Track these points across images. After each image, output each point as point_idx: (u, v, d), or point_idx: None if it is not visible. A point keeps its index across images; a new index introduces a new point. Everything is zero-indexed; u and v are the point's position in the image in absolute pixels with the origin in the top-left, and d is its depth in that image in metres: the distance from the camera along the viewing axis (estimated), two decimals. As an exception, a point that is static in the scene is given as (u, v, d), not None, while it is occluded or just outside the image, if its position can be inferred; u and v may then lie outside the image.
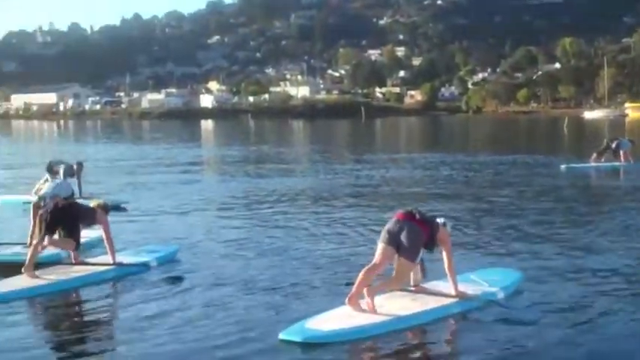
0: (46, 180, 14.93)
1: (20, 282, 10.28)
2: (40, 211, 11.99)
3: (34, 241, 11.03)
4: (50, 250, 11.42)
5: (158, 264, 11.40)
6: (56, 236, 11.07)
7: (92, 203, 11.73)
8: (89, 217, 11.35)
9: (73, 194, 13.73)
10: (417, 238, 8.74)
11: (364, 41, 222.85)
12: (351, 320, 8.23)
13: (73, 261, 11.31)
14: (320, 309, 8.67)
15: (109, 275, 10.89)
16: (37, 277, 10.49)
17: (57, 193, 12.92)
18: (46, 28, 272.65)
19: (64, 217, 11.06)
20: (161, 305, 9.38)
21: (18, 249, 12.29)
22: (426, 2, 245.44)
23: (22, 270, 10.50)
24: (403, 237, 8.68)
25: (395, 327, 8.28)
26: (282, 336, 7.92)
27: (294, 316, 8.56)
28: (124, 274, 10.95)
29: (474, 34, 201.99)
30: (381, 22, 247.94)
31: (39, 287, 10.18)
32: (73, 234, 11.11)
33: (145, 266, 11.28)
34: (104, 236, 11.31)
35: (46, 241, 10.96)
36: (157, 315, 8.96)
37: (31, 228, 12.34)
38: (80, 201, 13.15)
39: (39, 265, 10.87)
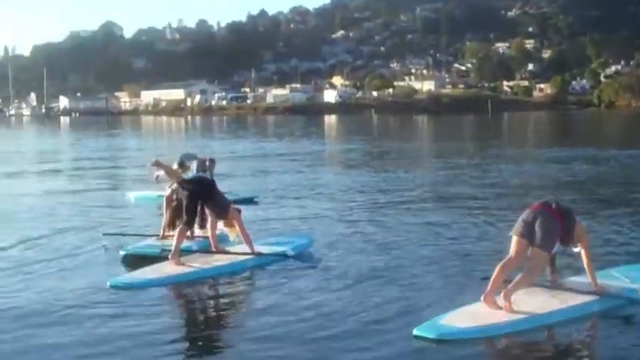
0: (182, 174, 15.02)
1: (166, 269, 10.77)
2: (173, 204, 12.56)
3: (179, 228, 11.42)
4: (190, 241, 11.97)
5: (295, 254, 11.55)
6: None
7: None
8: (224, 207, 11.61)
9: None
10: (551, 229, 8.40)
11: (492, 34, 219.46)
12: (486, 317, 8.07)
13: (214, 249, 11.66)
14: (454, 305, 8.54)
15: (248, 264, 11.23)
16: (181, 264, 10.94)
17: None
18: (174, 25, 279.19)
19: (203, 189, 11.53)
20: (295, 296, 9.51)
21: (150, 241, 12.67)
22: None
23: (169, 257, 10.99)
24: (537, 227, 8.37)
25: (531, 324, 8.07)
26: (416, 332, 7.82)
27: (428, 312, 8.46)
28: (262, 264, 11.26)
29: (606, 26, 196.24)
30: (510, 13, 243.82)
31: (183, 275, 10.61)
32: (218, 206, 11.58)
33: (282, 256, 11.49)
34: (239, 230, 11.59)
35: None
36: (291, 306, 9.09)
37: (163, 221, 12.88)
38: None
39: (182, 252, 11.31)
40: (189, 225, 11.50)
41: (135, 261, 11.45)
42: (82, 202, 19.25)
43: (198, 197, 11.46)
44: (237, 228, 11.58)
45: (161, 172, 13.51)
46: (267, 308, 9.04)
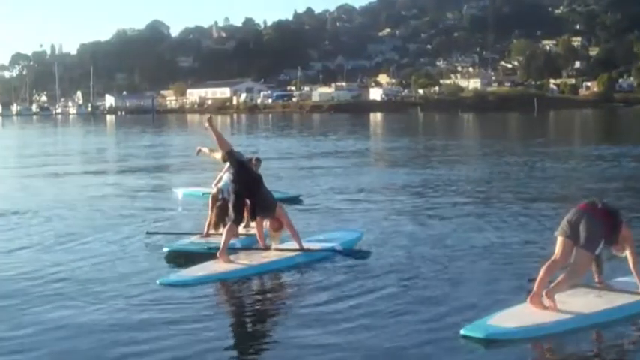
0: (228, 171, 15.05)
1: (215, 266, 10.81)
2: (218, 203, 12.63)
3: (228, 225, 11.48)
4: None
5: (343, 249, 11.61)
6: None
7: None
8: (271, 206, 11.60)
9: None
10: (596, 229, 8.34)
11: (539, 31, 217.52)
12: (533, 317, 8.05)
13: (262, 246, 11.77)
14: (501, 306, 8.53)
15: (296, 260, 11.25)
16: (230, 261, 10.99)
17: None
18: (221, 23, 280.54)
19: (248, 183, 11.50)
20: (344, 293, 9.56)
21: (194, 239, 12.73)
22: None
23: (217, 255, 11.01)
24: (582, 227, 8.33)
25: (579, 324, 8.05)
26: (463, 332, 7.83)
27: (474, 312, 8.48)
28: (311, 260, 11.29)
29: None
30: (557, 11, 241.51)
31: (232, 272, 10.67)
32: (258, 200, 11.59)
33: (331, 251, 11.55)
34: (287, 228, 11.62)
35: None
36: (339, 302, 9.14)
37: (208, 219, 12.90)
38: None
39: (231, 250, 11.39)
40: (237, 223, 11.54)
41: (179, 258, 11.54)
42: (129, 199, 19.47)
43: (244, 192, 11.46)
44: (285, 226, 11.59)
45: (205, 150, 13.80)
46: (316, 305, 9.09)
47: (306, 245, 11.57)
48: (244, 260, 11.17)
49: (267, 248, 11.67)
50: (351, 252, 11.59)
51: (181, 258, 11.53)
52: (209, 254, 11.33)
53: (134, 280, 10.37)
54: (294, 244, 11.58)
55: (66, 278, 10.57)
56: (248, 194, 11.53)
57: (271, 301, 9.63)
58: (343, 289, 9.72)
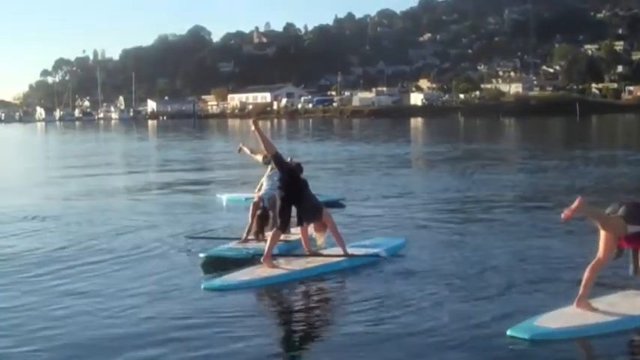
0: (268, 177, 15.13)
1: (259, 272, 10.89)
2: (259, 212, 12.80)
3: (273, 231, 11.51)
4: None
5: (388, 255, 11.64)
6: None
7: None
8: (318, 210, 11.61)
9: None
10: (635, 211, 8.42)
11: (581, 36, 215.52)
12: (580, 318, 8.12)
13: (307, 252, 11.80)
14: (547, 308, 8.56)
15: (341, 266, 11.29)
16: (275, 266, 11.06)
17: (275, 192, 13.15)
18: (262, 29, 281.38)
19: (294, 190, 11.55)
20: (388, 298, 9.59)
21: (232, 244, 12.75)
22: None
23: (261, 260, 11.07)
24: (624, 210, 8.45)
25: (626, 326, 8.07)
26: (510, 332, 7.92)
27: (522, 314, 8.51)
28: (355, 265, 11.31)
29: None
30: (599, 15, 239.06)
31: (275, 277, 10.72)
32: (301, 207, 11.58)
33: (375, 257, 11.57)
34: (332, 232, 11.65)
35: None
36: (384, 307, 9.19)
37: (248, 224, 12.96)
38: None
39: (275, 255, 11.46)
40: (283, 229, 11.54)
41: (216, 264, 11.55)
42: (173, 204, 19.70)
43: (291, 198, 11.51)
44: (330, 230, 11.63)
45: (246, 150, 14.27)
46: (360, 310, 9.14)
47: (350, 251, 11.58)
48: (288, 266, 11.21)
49: (311, 254, 11.70)
50: (396, 258, 11.64)
51: (219, 263, 11.55)
52: (246, 260, 11.43)
53: (177, 285, 10.49)
54: (338, 250, 11.60)
55: (102, 276, 10.94)
56: (295, 200, 11.54)
57: (315, 307, 9.72)
58: (386, 294, 9.76)
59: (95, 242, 13.69)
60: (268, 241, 11.30)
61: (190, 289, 10.21)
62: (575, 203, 8.15)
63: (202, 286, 10.26)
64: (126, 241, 13.80)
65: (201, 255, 12.02)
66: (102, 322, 8.86)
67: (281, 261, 11.40)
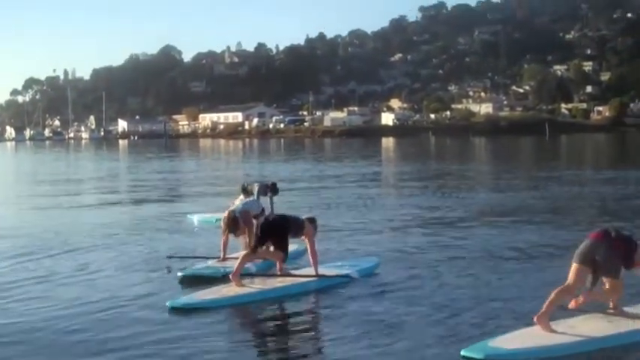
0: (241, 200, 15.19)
1: (226, 290, 10.90)
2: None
3: (244, 252, 11.63)
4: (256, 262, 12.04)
5: (359, 276, 11.68)
6: (272, 248, 11.60)
7: (303, 216, 12.16)
8: (298, 229, 11.67)
9: (263, 212, 13.95)
10: (614, 258, 8.60)
11: (550, 56, 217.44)
12: (537, 340, 8.14)
13: (279, 272, 11.76)
14: (510, 328, 8.68)
15: (311, 286, 11.32)
16: (243, 285, 11.08)
17: (246, 210, 13.24)
18: (233, 48, 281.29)
19: (274, 230, 11.47)
20: (357, 318, 9.68)
21: (210, 263, 12.92)
22: (615, 16, 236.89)
23: (230, 278, 11.10)
24: (599, 256, 8.56)
25: (582, 349, 8.13)
26: (464, 352, 7.98)
27: (483, 334, 8.62)
28: (326, 286, 11.35)
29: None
30: (568, 36, 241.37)
31: (243, 296, 10.75)
32: (282, 246, 11.51)
33: (346, 278, 11.60)
34: (309, 248, 11.72)
35: (258, 252, 11.53)
36: (352, 328, 9.26)
37: (222, 242, 13.07)
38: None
39: (246, 275, 11.50)
40: (254, 251, 11.54)
41: (194, 282, 11.60)
42: (144, 225, 19.64)
43: (271, 237, 11.53)
44: (309, 247, 11.68)
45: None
46: (327, 331, 9.28)
47: (321, 271, 11.63)
48: (257, 285, 11.24)
49: (283, 274, 11.71)
50: (368, 278, 11.71)
51: (197, 282, 11.60)
52: (222, 279, 11.48)
53: (146, 303, 10.55)
54: (309, 270, 11.67)
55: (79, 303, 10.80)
56: (273, 239, 11.56)
57: (279, 327, 9.76)
58: (355, 315, 9.84)
59: (69, 267, 13.52)
60: (239, 261, 11.34)
61: (159, 308, 10.25)
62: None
63: (168, 304, 10.29)
64: (93, 260, 13.81)
65: (179, 274, 12.06)
66: (67, 339, 8.96)
67: (251, 280, 11.43)
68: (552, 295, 8.54)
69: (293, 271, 11.92)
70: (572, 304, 8.71)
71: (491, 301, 10.42)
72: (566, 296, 8.63)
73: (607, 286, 8.68)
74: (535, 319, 8.43)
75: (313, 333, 9.41)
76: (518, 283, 11.57)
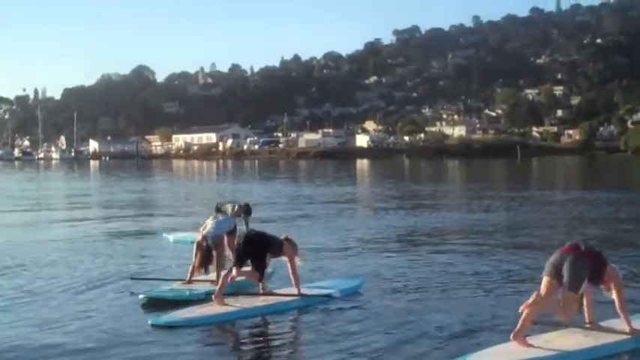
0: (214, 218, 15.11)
1: (208, 309, 10.88)
2: (203, 246, 12.70)
3: (223, 272, 11.64)
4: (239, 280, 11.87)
5: (341, 296, 11.73)
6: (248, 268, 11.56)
7: (282, 236, 12.05)
8: (277, 248, 11.66)
9: (235, 228, 13.89)
10: (579, 270, 8.63)
11: (521, 80, 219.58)
12: (514, 355, 8.20)
13: (261, 291, 11.75)
14: (488, 344, 8.75)
15: (292, 305, 11.35)
16: (225, 304, 11.04)
17: (218, 234, 13.09)
18: (207, 69, 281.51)
19: (254, 246, 11.43)
20: (335, 338, 9.72)
21: (175, 285, 12.67)
22: (585, 41, 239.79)
23: (212, 298, 11.08)
24: (566, 269, 8.61)
25: None
26: None
27: (458, 352, 8.66)
28: (307, 305, 11.39)
29: (634, 73, 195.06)
30: (539, 60, 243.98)
31: (225, 314, 10.76)
32: (259, 266, 11.48)
33: (328, 297, 11.65)
34: (290, 268, 11.71)
35: (234, 272, 11.44)
36: (333, 346, 9.33)
37: (191, 265, 12.88)
38: None
39: (228, 294, 11.42)
40: (238, 267, 11.47)
41: (157, 305, 11.40)
42: (116, 245, 19.30)
43: (247, 256, 11.51)
44: (289, 266, 11.67)
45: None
46: (308, 350, 9.30)
47: (303, 291, 11.66)
48: (239, 304, 11.20)
49: (265, 293, 11.69)
50: (349, 298, 11.74)
51: (163, 304, 11.40)
52: (187, 302, 11.36)
53: (123, 324, 10.45)
54: (292, 289, 11.66)
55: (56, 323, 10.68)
56: (252, 256, 11.53)
57: (260, 346, 9.72)
58: (334, 334, 9.87)
59: (43, 287, 13.32)
60: (221, 279, 11.36)
61: (131, 330, 10.10)
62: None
63: (149, 322, 10.22)
64: (69, 284, 13.58)
65: (141, 296, 11.84)
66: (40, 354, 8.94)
67: (233, 299, 11.36)
68: (525, 311, 8.58)
69: (276, 290, 11.90)
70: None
71: (469, 317, 10.50)
72: (538, 310, 8.68)
73: (562, 300, 8.69)
74: (512, 337, 8.50)
75: (293, 351, 9.44)
76: (495, 300, 11.68)
